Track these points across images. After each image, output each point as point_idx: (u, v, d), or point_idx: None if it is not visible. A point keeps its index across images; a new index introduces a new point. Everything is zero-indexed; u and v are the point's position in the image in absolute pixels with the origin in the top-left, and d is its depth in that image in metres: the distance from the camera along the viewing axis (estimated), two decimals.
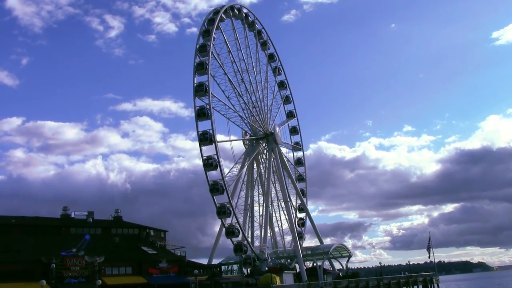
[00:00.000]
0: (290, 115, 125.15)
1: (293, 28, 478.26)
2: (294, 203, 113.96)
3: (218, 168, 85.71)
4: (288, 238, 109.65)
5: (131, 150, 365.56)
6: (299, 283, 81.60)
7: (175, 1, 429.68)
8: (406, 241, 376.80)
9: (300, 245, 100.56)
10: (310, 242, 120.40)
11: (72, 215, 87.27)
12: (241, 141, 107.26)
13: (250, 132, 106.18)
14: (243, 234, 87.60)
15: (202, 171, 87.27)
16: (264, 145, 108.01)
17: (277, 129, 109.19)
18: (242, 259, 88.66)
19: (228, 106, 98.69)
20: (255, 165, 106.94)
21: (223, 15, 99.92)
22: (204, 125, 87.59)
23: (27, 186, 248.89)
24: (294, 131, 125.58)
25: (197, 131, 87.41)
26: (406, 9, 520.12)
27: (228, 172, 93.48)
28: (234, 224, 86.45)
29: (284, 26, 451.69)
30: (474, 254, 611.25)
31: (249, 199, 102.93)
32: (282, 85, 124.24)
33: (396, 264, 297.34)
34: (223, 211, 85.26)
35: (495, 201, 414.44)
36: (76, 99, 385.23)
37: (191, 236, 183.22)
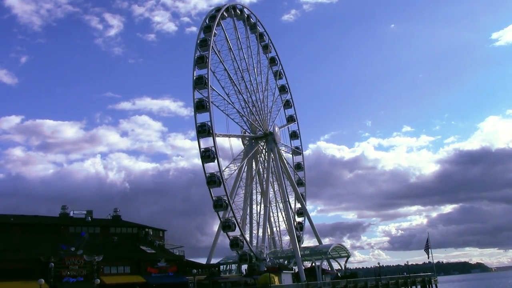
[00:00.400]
0: (291, 119, 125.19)
1: (293, 28, 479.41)
2: (292, 204, 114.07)
3: (216, 161, 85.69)
4: (287, 238, 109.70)
5: (130, 149, 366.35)
6: (297, 283, 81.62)
7: (174, 0, 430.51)
8: (404, 242, 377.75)
9: (299, 246, 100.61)
10: (308, 242, 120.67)
11: (71, 214, 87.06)
12: (240, 140, 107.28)
13: (249, 131, 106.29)
14: (240, 228, 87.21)
15: (202, 171, 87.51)
16: (263, 144, 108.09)
17: (276, 129, 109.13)
18: (239, 255, 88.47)
19: (228, 101, 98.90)
20: (253, 164, 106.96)
21: (224, 13, 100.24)
22: (203, 118, 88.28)
23: (26, 185, 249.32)
24: (294, 135, 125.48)
25: (195, 123, 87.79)
26: (405, 9, 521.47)
27: (226, 168, 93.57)
28: (230, 218, 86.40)
29: (283, 26, 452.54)
30: (472, 255, 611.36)
31: (248, 198, 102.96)
32: (283, 89, 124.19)
33: (394, 265, 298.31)
34: (219, 204, 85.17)
35: (494, 202, 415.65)
36: (75, 97, 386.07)
37: (190, 235, 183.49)
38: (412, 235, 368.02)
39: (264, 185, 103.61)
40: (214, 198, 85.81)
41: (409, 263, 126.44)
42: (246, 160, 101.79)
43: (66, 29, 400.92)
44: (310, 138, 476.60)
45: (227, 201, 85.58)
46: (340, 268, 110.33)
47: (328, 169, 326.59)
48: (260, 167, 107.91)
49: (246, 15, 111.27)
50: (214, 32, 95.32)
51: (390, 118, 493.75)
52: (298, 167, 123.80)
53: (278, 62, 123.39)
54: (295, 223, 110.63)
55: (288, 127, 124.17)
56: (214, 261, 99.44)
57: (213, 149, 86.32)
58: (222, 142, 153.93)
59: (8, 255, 63.38)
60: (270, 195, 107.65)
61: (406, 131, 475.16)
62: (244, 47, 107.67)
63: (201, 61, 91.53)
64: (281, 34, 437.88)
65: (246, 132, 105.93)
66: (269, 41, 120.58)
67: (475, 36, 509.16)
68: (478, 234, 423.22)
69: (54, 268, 61.05)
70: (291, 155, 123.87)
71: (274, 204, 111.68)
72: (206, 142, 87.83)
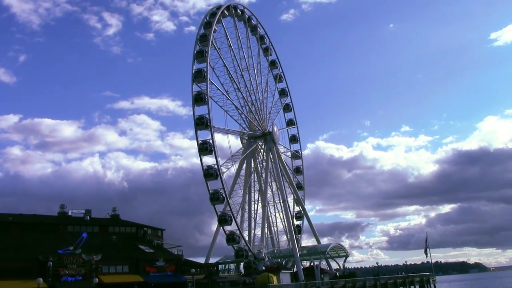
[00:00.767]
0: (290, 123, 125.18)
1: (292, 27, 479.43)
2: (291, 204, 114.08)
3: (213, 153, 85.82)
4: (285, 238, 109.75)
5: (129, 149, 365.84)
6: (296, 282, 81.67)
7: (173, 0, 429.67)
8: (403, 241, 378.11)
9: (297, 245, 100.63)
10: (307, 241, 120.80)
11: (70, 213, 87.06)
12: (239, 139, 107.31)
13: (247, 130, 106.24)
14: (235, 221, 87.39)
15: (200, 170, 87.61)
16: (261, 144, 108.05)
17: (275, 128, 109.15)
18: (235, 251, 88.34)
19: (227, 97, 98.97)
20: (252, 163, 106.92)
21: (225, 11, 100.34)
22: (201, 111, 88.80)
23: (24, 184, 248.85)
24: (293, 139, 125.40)
25: (194, 116, 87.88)
26: (404, 9, 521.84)
27: (224, 163, 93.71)
28: (227, 211, 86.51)
29: (282, 25, 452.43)
30: (471, 254, 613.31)
31: (245, 196, 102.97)
32: (283, 92, 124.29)
33: (393, 264, 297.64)
34: (216, 197, 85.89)
35: (492, 202, 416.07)
36: (73, 96, 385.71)
37: (189, 235, 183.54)
38: (410, 235, 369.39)
39: (263, 185, 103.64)
40: (211, 191, 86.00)
41: (408, 263, 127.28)
42: (244, 157, 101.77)
43: (64, 28, 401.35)
44: (309, 138, 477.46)
45: (223, 195, 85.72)
46: (338, 267, 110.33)
47: (327, 169, 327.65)
48: (259, 166, 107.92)
49: (247, 16, 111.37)
50: (214, 28, 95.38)
51: (388, 118, 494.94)
52: (298, 171, 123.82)
53: (279, 65, 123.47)
54: (293, 226, 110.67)
55: (287, 130, 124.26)
56: (212, 260, 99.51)
57: (210, 141, 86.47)
58: (221, 141, 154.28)
59: (7, 254, 63.27)
60: (269, 194, 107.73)
61: (405, 131, 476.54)
62: (245, 47, 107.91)
63: (200, 55, 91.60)
64: (280, 33, 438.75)
65: (245, 130, 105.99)
66: (270, 44, 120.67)
67: (474, 36, 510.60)
68: (476, 234, 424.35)
69: (53, 267, 60.96)
70: (290, 159, 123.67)
71: (272, 204, 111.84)
72: (204, 136, 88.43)
